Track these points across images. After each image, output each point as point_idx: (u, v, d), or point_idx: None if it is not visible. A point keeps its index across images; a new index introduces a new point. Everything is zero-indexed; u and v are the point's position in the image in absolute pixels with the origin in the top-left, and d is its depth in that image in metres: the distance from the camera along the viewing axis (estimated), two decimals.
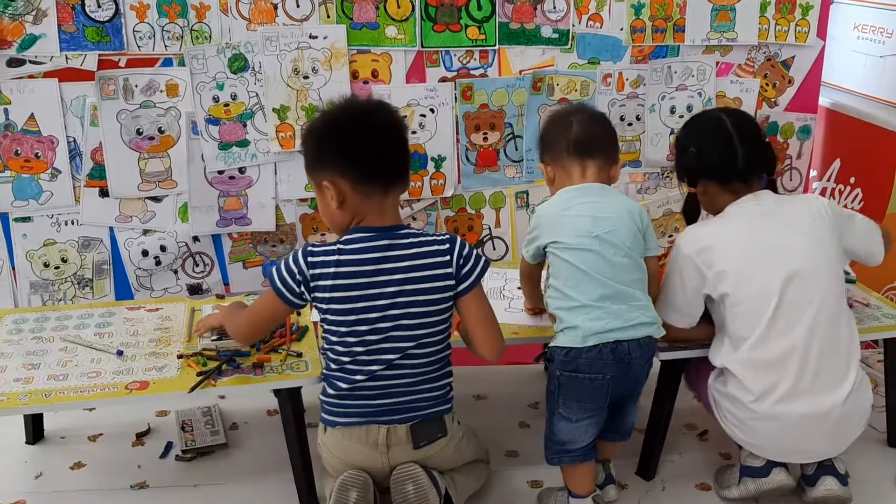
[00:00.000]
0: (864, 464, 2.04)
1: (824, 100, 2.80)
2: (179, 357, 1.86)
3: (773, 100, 2.73)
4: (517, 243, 2.66)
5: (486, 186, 2.61)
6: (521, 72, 2.51)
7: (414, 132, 2.48)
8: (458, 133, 2.53)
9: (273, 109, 2.36)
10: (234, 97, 2.34)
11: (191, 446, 2.15)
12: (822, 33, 2.66)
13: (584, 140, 1.88)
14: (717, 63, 2.65)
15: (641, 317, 1.79)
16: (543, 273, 1.95)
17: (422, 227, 2.60)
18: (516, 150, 2.58)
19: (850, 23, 2.87)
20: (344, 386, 1.69)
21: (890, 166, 2.54)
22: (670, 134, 2.68)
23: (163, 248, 2.42)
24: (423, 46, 2.41)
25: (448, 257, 1.70)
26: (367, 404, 1.70)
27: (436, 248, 1.70)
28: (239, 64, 2.31)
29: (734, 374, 1.82)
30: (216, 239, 2.46)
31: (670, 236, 2.78)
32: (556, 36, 2.49)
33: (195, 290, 2.47)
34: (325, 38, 2.33)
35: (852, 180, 2.74)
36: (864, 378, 1.82)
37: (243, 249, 2.50)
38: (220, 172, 2.39)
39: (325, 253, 1.67)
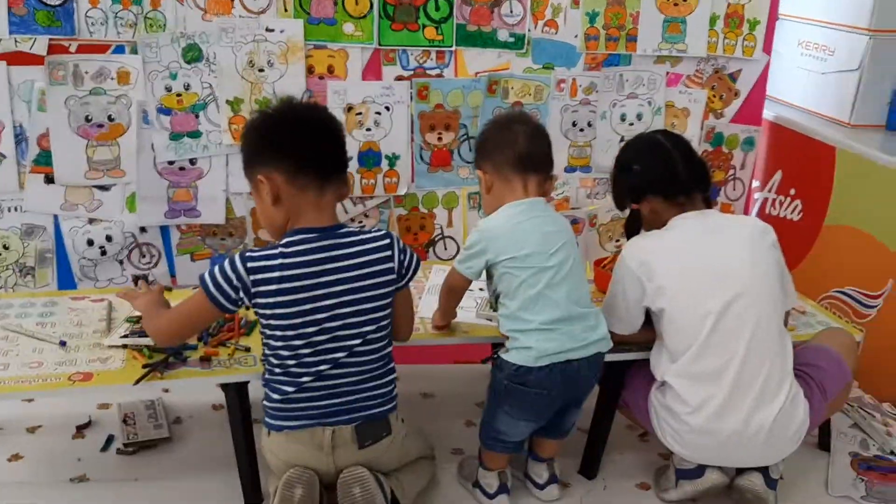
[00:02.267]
0: (795, 467, 2.11)
1: (768, 113, 2.89)
2: (125, 346, 1.83)
3: (719, 111, 2.80)
4: None
5: (439, 186, 2.63)
6: (476, 74, 2.53)
7: (369, 129, 2.49)
8: (412, 132, 2.54)
9: (227, 101, 2.34)
10: (187, 87, 2.31)
11: (133, 440, 2.13)
12: (767, 48, 2.74)
13: (529, 155, 1.88)
14: (667, 73, 2.70)
15: (592, 335, 1.83)
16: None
17: (374, 224, 2.61)
18: (470, 150, 2.60)
19: (795, 39, 2.97)
20: (289, 389, 1.69)
21: (827, 179, 2.63)
22: (620, 141, 2.72)
23: (109, 238, 2.38)
24: (380, 44, 2.41)
25: (390, 252, 1.73)
26: (314, 406, 1.70)
27: (377, 244, 1.72)
28: (193, 54, 2.29)
29: (672, 385, 1.86)
30: (164, 230, 2.43)
31: (617, 241, 2.84)
32: (512, 40, 2.52)
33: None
34: (281, 31, 2.32)
35: (792, 192, 2.83)
36: (797, 394, 1.86)
37: (191, 242, 2.47)
38: (171, 163, 2.36)
39: (267, 258, 1.65)
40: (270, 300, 1.64)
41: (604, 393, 2.07)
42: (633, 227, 2.06)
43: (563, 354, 1.78)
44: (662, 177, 1.97)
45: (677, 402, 1.85)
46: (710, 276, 1.85)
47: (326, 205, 1.71)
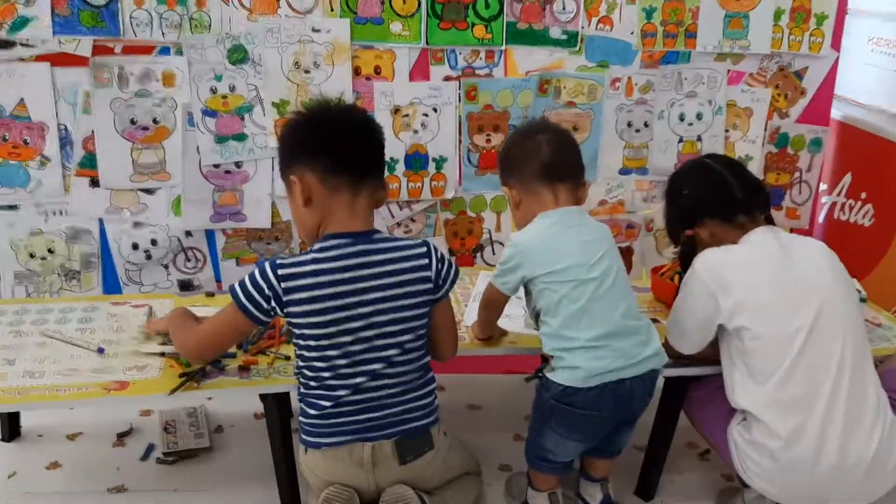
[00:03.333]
0: None
1: (836, 112, 2.73)
2: (162, 354, 1.78)
3: (784, 111, 2.66)
4: None
5: (487, 189, 2.54)
6: (527, 73, 2.44)
7: (416, 131, 2.42)
8: (460, 134, 2.46)
9: (272, 103, 2.30)
10: (232, 89, 2.27)
11: (173, 449, 2.09)
12: (836, 44, 2.59)
13: (555, 164, 1.76)
14: (729, 71, 2.58)
15: (645, 351, 1.70)
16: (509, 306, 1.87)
17: (420, 229, 2.53)
18: None
19: (865, 35, 2.80)
20: (327, 404, 1.61)
21: None
22: (678, 142, 2.61)
23: (154, 242, 2.35)
24: (427, 44, 2.34)
25: (427, 261, 1.64)
26: (353, 420, 1.61)
27: (413, 251, 1.64)
28: (238, 55, 2.24)
29: (758, 417, 1.68)
30: (209, 234, 2.40)
31: (675, 247, 2.71)
32: (564, 37, 2.42)
33: (186, 287, 2.40)
34: (328, 31, 2.27)
35: (863, 196, 2.67)
36: (894, 421, 1.68)
37: (237, 246, 2.43)
38: (216, 166, 2.32)
39: (298, 264, 1.57)
40: (303, 308, 1.56)
41: (662, 411, 1.95)
42: (688, 256, 1.89)
43: (614, 373, 1.66)
44: (715, 195, 1.83)
45: (766, 435, 1.67)
46: (794, 289, 1.69)
47: (360, 209, 1.63)
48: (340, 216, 1.61)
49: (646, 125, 2.59)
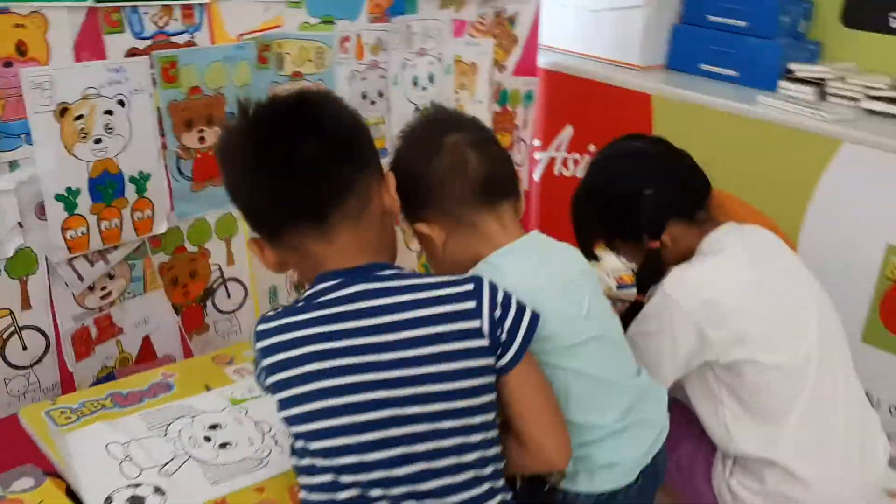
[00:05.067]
0: None
1: (543, 61, 2.52)
2: None
3: (502, 63, 2.37)
4: (258, 286, 1.89)
5: (209, 209, 1.77)
6: (240, 36, 1.72)
7: (98, 141, 1.54)
8: (163, 135, 1.64)
9: None
10: None
11: None
12: None
13: (493, 175, 1.22)
14: (453, 20, 2.17)
15: (662, 409, 1.27)
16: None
17: (124, 287, 1.67)
18: None
19: None
20: None
21: (644, 131, 2.35)
22: (415, 111, 2.14)
23: None
24: (97, 1, 1.48)
25: (474, 304, 1.02)
26: None
27: (450, 290, 1.04)
28: None
29: (775, 461, 1.36)
30: None
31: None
32: None
33: None
34: None
35: (591, 148, 2.50)
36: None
37: None
38: None
39: (278, 316, 1.07)
40: (288, 393, 1.02)
41: None
42: (652, 272, 1.47)
43: (649, 451, 1.21)
44: (682, 190, 1.45)
45: (791, 484, 1.35)
46: (790, 307, 1.39)
47: (343, 236, 1.13)
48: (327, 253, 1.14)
49: (380, 95, 2.06)
